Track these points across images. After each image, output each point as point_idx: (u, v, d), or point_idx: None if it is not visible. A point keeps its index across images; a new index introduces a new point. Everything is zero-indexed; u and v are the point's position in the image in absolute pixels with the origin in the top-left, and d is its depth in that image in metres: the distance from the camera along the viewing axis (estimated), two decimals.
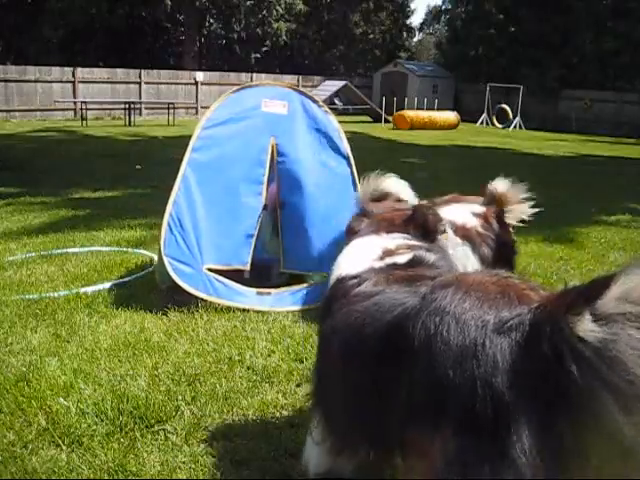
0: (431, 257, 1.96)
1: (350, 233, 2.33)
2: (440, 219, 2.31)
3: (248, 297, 4.04)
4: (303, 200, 4.17)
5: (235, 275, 4.14)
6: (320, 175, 4.24)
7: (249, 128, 4.21)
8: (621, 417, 1.23)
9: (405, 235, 2.18)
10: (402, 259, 1.96)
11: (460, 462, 1.37)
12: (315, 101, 4.42)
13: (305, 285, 4.19)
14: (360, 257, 2.05)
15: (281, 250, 4.26)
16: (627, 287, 1.26)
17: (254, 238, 4.16)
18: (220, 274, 4.06)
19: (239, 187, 4.14)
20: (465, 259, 3.04)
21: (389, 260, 1.96)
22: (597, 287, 1.31)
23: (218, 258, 4.06)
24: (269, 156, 4.18)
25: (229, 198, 4.11)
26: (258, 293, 4.08)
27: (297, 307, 4.05)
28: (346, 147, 4.34)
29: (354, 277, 1.92)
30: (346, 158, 4.32)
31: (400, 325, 1.57)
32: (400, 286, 1.74)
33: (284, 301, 4.09)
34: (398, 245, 2.07)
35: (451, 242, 3.02)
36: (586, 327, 1.26)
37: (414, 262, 1.92)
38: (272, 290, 4.12)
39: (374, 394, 1.66)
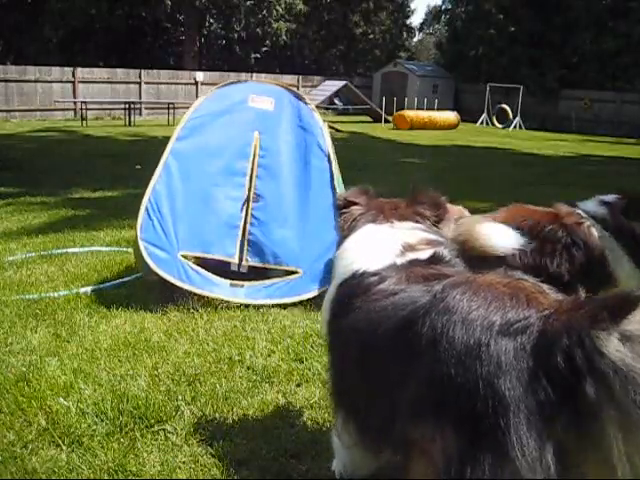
0: (447, 254, 1.94)
1: (348, 206, 2.22)
2: (439, 196, 2.26)
3: (221, 287, 4.05)
4: (280, 194, 4.21)
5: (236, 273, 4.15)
6: (300, 171, 4.28)
7: (234, 121, 4.29)
8: (619, 443, 1.24)
9: (417, 224, 2.12)
10: (423, 255, 1.92)
11: (460, 462, 1.37)
12: (302, 98, 4.48)
13: (279, 279, 4.17)
14: (379, 251, 1.97)
15: (245, 241, 4.20)
16: None
17: (239, 229, 4.16)
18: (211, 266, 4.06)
19: (221, 178, 4.19)
20: (612, 250, 3.02)
21: (411, 256, 1.92)
22: (624, 304, 1.29)
23: (196, 245, 4.08)
24: (253, 149, 4.22)
25: (210, 188, 4.15)
26: (232, 285, 4.08)
27: (270, 301, 4.05)
28: (328, 144, 4.38)
29: (375, 274, 1.87)
30: (327, 155, 4.35)
31: (410, 323, 1.57)
32: (419, 285, 1.72)
33: (257, 294, 4.09)
34: (418, 240, 2.01)
35: (599, 234, 3.00)
36: (611, 345, 1.25)
37: (435, 259, 1.90)
38: (245, 282, 4.12)
39: (391, 393, 1.65)
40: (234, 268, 4.20)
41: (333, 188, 4.26)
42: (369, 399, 1.81)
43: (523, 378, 1.33)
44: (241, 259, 4.20)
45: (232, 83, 4.50)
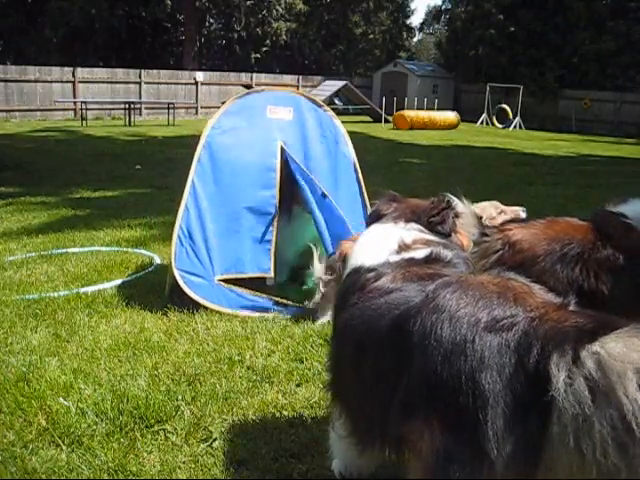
0: (448, 254, 1.96)
1: (375, 216, 2.29)
2: (453, 216, 2.25)
3: (265, 306, 3.95)
4: (310, 205, 4.11)
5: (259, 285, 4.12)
6: (327, 180, 4.24)
7: (256, 135, 4.19)
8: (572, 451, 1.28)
9: (421, 227, 2.16)
10: (419, 254, 1.95)
11: (444, 457, 1.40)
12: (320, 105, 4.42)
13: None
14: (376, 248, 2.03)
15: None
16: (610, 347, 1.27)
17: (272, 244, 4.12)
18: (241, 281, 4.02)
19: (249, 194, 4.10)
20: None
21: (406, 255, 1.96)
22: (592, 333, 1.32)
23: (230, 267, 4.02)
24: (279, 161, 4.16)
25: (239, 205, 4.08)
26: (275, 303, 3.98)
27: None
28: (351, 152, 4.35)
29: (371, 270, 1.92)
30: (352, 163, 4.33)
31: (403, 322, 1.59)
32: (414, 284, 1.75)
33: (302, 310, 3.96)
34: (415, 239, 2.05)
35: None
36: (561, 375, 1.29)
37: (431, 259, 1.93)
38: (290, 302, 4.02)
39: (383, 390, 1.67)
40: (270, 283, 4.19)
41: (362, 195, 4.25)
42: (363, 395, 1.83)
43: (503, 373, 1.36)
44: (276, 273, 4.17)
45: (247, 94, 4.36)
